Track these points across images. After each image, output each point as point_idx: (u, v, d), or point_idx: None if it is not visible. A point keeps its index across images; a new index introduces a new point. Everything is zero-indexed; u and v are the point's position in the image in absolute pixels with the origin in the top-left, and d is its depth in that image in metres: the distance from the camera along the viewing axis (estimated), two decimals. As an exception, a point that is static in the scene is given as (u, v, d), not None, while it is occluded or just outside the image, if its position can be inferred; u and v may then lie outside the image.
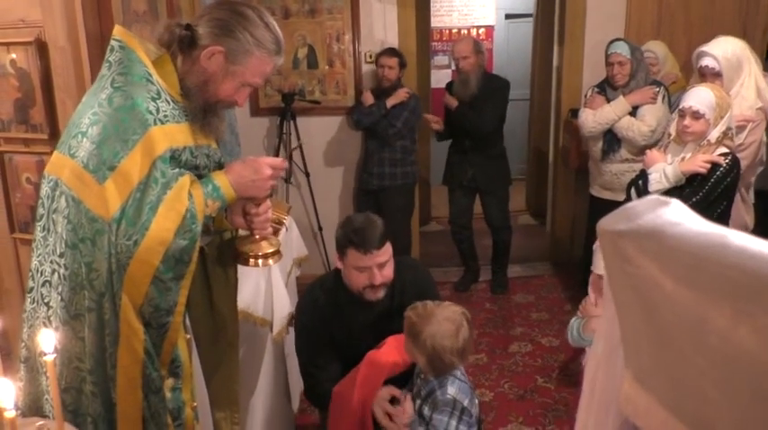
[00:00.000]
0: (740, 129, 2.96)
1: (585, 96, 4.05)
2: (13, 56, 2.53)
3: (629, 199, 3.03)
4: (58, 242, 1.54)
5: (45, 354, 1.19)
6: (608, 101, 3.79)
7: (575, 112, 4.52)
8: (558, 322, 4.14)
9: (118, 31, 1.63)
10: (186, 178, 1.58)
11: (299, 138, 4.52)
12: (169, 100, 1.58)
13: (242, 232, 1.89)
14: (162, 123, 1.54)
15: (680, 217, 0.50)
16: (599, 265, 1.87)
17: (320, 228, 4.72)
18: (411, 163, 4.48)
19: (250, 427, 2.78)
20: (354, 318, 2.29)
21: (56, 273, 1.56)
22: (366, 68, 4.69)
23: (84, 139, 1.50)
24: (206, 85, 1.63)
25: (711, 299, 0.44)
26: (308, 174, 4.61)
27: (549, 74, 5.20)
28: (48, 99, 2.48)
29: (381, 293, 2.23)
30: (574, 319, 2.02)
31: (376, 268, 2.18)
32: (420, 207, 5.22)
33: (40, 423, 1.31)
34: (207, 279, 1.90)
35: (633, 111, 3.72)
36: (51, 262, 1.57)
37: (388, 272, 2.22)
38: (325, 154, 4.85)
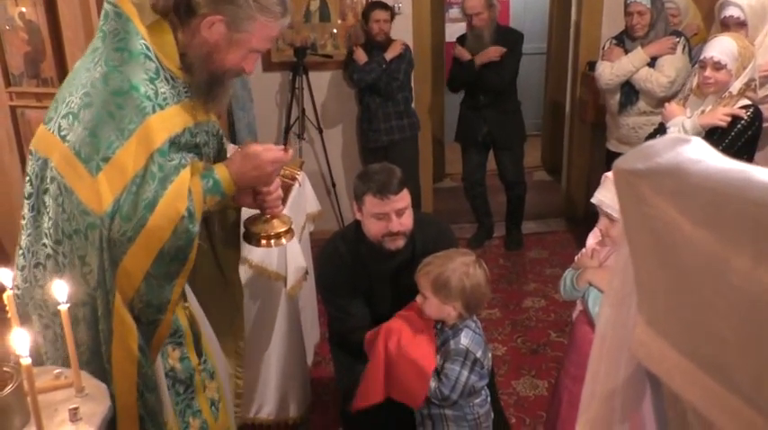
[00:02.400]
0: (764, 80, 2.87)
1: (603, 48, 3.96)
2: (22, 9, 2.50)
3: (646, 153, 2.97)
4: (54, 228, 1.47)
5: (60, 304, 1.21)
6: (626, 53, 3.70)
7: (593, 65, 4.42)
8: (572, 278, 4.13)
9: None
10: (186, 173, 1.48)
11: (311, 94, 4.48)
12: (168, 77, 1.48)
13: (251, 211, 1.81)
14: (161, 108, 1.44)
15: (701, 154, 0.47)
16: (599, 196, 1.85)
17: (333, 184, 4.71)
18: (413, 113, 4.50)
19: (265, 381, 2.83)
20: (376, 269, 2.31)
21: (51, 259, 1.50)
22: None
23: (76, 123, 1.40)
24: (210, 56, 1.52)
25: (733, 237, 0.42)
26: (320, 130, 4.57)
27: (567, 26, 5.07)
28: (58, 52, 2.46)
29: (401, 242, 2.23)
30: (567, 271, 2.03)
31: (394, 215, 2.18)
32: (434, 164, 5.18)
33: (58, 370, 1.33)
34: (213, 251, 1.87)
35: (652, 63, 3.63)
36: (44, 245, 1.51)
37: (407, 220, 2.22)
38: (338, 109, 4.80)
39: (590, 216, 4.85)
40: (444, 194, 5.59)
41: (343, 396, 2.59)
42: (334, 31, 4.62)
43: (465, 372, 2.01)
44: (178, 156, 1.49)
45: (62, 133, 1.42)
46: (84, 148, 1.39)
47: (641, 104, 3.71)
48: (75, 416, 1.17)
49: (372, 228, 2.23)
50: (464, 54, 4.25)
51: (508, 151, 4.46)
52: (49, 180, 1.45)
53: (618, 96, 3.77)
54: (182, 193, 1.46)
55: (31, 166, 1.51)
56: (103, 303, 1.47)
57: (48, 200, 1.47)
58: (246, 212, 1.84)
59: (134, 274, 1.46)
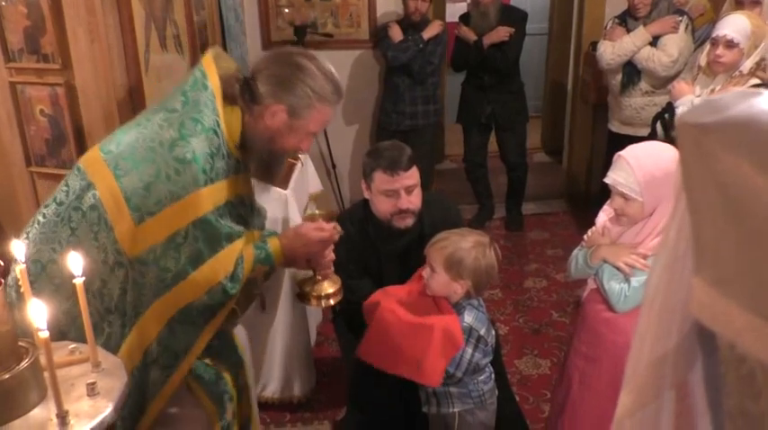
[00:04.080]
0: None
1: (606, 28, 3.93)
2: (21, -18, 2.44)
3: (653, 134, 2.96)
4: (74, 246, 1.51)
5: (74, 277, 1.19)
6: (629, 32, 3.67)
7: (596, 45, 4.39)
8: (574, 259, 4.14)
9: (208, 60, 1.62)
10: (239, 243, 1.62)
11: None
12: (225, 154, 1.59)
13: (302, 272, 1.97)
14: (212, 182, 1.55)
15: (777, 106, 0.46)
16: (612, 175, 1.82)
17: (334, 166, 4.67)
18: (439, 99, 4.41)
19: (269, 360, 2.83)
20: (384, 248, 2.29)
21: (55, 265, 1.54)
22: (380, 0, 4.53)
23: (134, 172, 1.50)
24: (272, 141, 1.65)
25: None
26: (320, 111, 4.52)
27: (570, 5, 5.03)
28: (58, 27, 2.41)
29: (410, 221, 2.22)
30: (577, 250, 2.02)
31: (403, 191, 2.17)
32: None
33: (72, 346, 1.31)
34: None
35: (655, 42, 3.60)
36: (53, 250, 1.55)
37: (416, 198, 2.21)
38: (339, 90, 4.75)
39: (591, 197, 4.87)
40: (444, 176, 5.57)
41: (350, 374, 2.60)
42: (335, 9, 4.56)
43: (469, 350, 2.01)
44: (234, 225, 1.64)
45: (118, 172, 1.51)
46: (135, 198, 1.49)
47: (643, 84, 3.69)
48: (92, 390, 1.16)
49: (381, 206, 2.22)
50: (469, 34, 4.20)
51: (511, 132, 4.44)
52: (88, 206, 1.52)
53: (619, 76, 3.76)
54: (229, 260, 1.59)
55: (72, 180, 1.57)
56: (118, 322, 1.55)
57: (77, 218, 1.53)
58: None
59: (159, 318, 1.55)
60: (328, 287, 1.88)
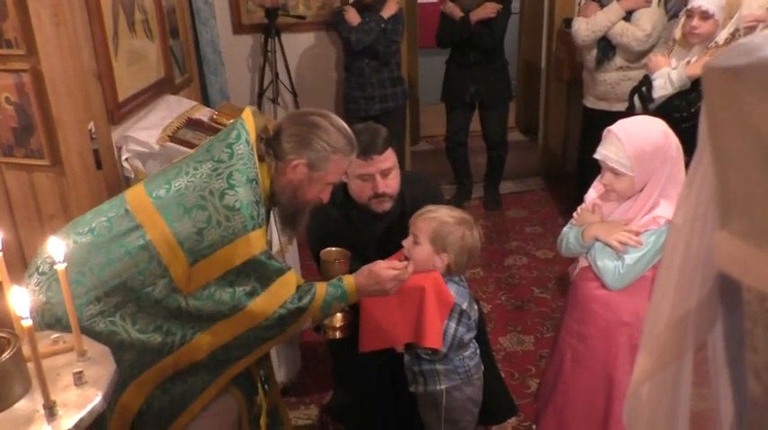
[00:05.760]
0: (749, 30, 2.87)
1: (579, 4, 3.93)
2: (-21, -35, 2.34)
3: (631, 107, 2.97)
4: (111, 277, 1.61)
5: (57, 263, 1.14)
6: (602, 8, 3.68)
7: (569, 22, 4.39)
8: (553, 235, 4.16)
9: (248, 115, 1.78)
10: (291, 275, 1.76)
11: (284, 57, 4.35)
12: (262, 203, 1.73)
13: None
14: (259, 227, 1.69)
15: (812, 45, 0.44)
16: (603, 151, 1.80)
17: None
18: (404, 79, 4.34)
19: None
20: (366, 230, 2.26)
21: (81, 286, 1.61)
22: (351, -20, 4.46)
23: (186, 218, 1.63)
24: (295, 194, 1.80)
25: None
26: (295, 94, 4.46)
27: (541, -17, 5.02)
28: (21, 11, 2.32)
29: (388, 205, 2.19)
30: (567, 228, 2.01)
31: (379, 176, 2.13)
32: (410, 127, 5.12)
33: (56, 335, 1.26)
34: None
35: (628, 17, 3.61)
36: (81, 273, 1.62)
37: (393, 182, 2.17)
38: (312, 72, 4.69)
39: (567, 174, 4.90)
40: (421, 157, 5.55)
41: (334, 357, 2.58)
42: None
43: (452, 324, 1.99)
44: (281, 263, 1.77)
45: (169, 218, 1.63)
46: (188, 242, 1.62)
47: (618, 60, 3.70)
48: (79, 379, 1.12)
49: (358, 190, 2.18)
50: (455, 10, 4.13)
51: (495, 111, 4.41)
52: (135, 246, 1.63)
53: (594, 52, 3.76)
54: (284, 291, 1.74)
55: (118, 220, 1.68)
56: (162, 338, 1.66)
57: (117, 252, 1.62)
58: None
59: (215, 342, 1.69)
60: (340, 320, 2.05)
